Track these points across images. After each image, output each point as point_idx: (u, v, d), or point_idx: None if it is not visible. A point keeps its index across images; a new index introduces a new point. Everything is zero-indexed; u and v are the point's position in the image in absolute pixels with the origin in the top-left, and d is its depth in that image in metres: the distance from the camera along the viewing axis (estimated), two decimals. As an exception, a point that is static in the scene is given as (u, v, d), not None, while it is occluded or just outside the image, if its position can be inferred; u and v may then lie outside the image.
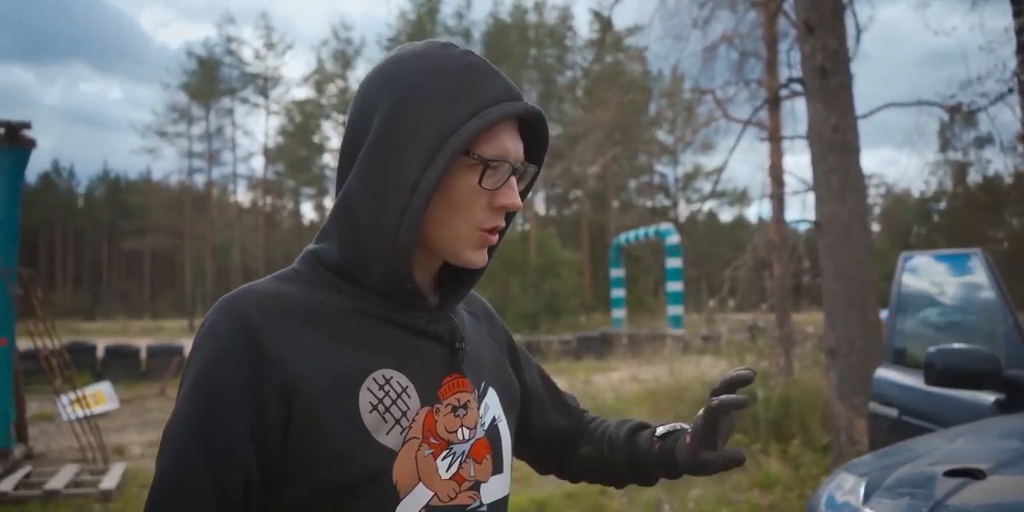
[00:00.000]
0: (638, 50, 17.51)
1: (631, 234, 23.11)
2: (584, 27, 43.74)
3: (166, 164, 68.23)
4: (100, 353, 13.39)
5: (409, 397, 0.87)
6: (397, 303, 0.91)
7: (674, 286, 20.47)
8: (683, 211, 42.23)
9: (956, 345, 2.60)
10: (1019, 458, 1.52)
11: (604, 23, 35.71)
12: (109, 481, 5.87)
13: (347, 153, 0.91)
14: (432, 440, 0.88)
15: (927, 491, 1.43)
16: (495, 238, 0.93)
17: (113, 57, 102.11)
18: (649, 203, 42.97)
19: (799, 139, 8.22)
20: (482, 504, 0.92)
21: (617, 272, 23.69)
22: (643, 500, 5.31)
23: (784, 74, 9.25)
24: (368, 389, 0.85)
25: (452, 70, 0.90)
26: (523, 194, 0.99)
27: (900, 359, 3.38)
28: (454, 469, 0.89)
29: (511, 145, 0.90)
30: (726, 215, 50.62)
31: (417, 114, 0.87)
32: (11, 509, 5.28)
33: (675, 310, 19.90)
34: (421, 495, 0.86)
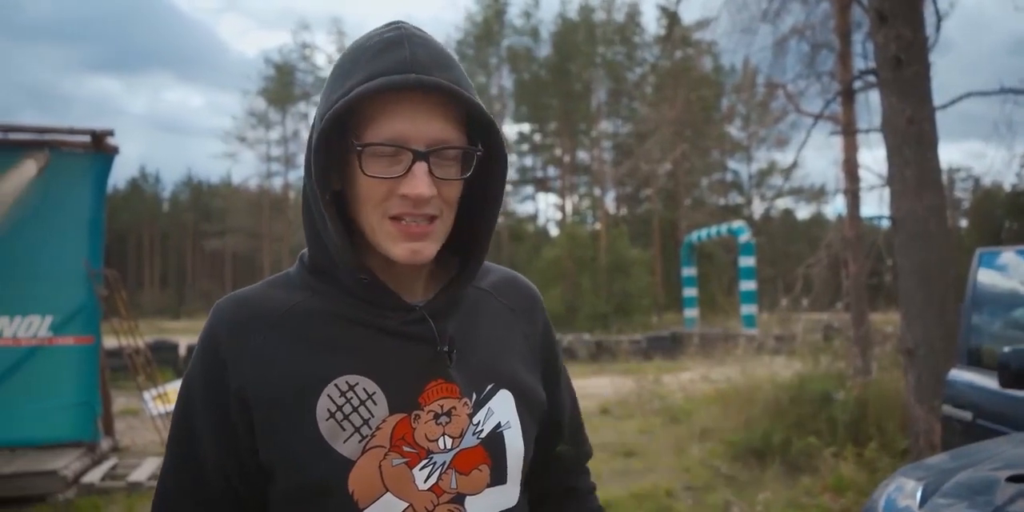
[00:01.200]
0: (707, 45, 17.25)
1: (703, 232, 22.73)
2: (652, 23, 43.28)
3: (245, 168, 70.78)
4: (182, 351, 13.91)
5: (375, 404, 0.83)
6: (370, 303, 0.86)
7: (747, 285, 20.04)
8: (757, 208, 41.37)
9: (1033, 345, 2.47)
10: (1090, 464, 1.45)
11: (671, 19, 35.29)
12: (188, 474, 6.09)
13: None
14: (406, 448, 0.83)
15: (986, 497, 1.37)
16: (416, 229, 0.82)
17: (194, 66, 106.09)
18: (722, 201, 42.22)
19: (875, 133, 7.95)
20: None
21: (689, 271, 23.34)
22: (711, 502, 5.23)
23: (859, 66, 8.97)
24: (328, 396, 0.82)
25: (359, 50, 0.84)
26: (488, 178, 0.88)
27: (975, 360, 3.24)
28: (433, 479, 0.84)
29: (408, 126, 0.79)
30: (803, 212, 49.32)
31: (320, 101, 0.86)
32: (97, 499, 5.53)
33: (749, 309, 19.49)
34: (391, 506, 0.82)
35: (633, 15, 40.35)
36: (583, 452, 1.12)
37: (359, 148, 0.79)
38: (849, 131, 8.72)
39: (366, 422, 0.82)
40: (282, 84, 44.19)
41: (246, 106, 47.29)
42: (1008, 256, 3.39)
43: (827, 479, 5.41)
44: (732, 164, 43.17)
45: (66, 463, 5.77)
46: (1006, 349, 2.41)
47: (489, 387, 0.90)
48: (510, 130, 44.54)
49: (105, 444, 6.85)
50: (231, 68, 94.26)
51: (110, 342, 7.51)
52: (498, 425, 0.89)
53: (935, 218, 5.74)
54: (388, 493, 0.82)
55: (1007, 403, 2.74)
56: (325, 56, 50.49)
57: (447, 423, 0.85)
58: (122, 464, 6.56)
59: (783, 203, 42.94)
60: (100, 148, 6.68)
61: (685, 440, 7.26)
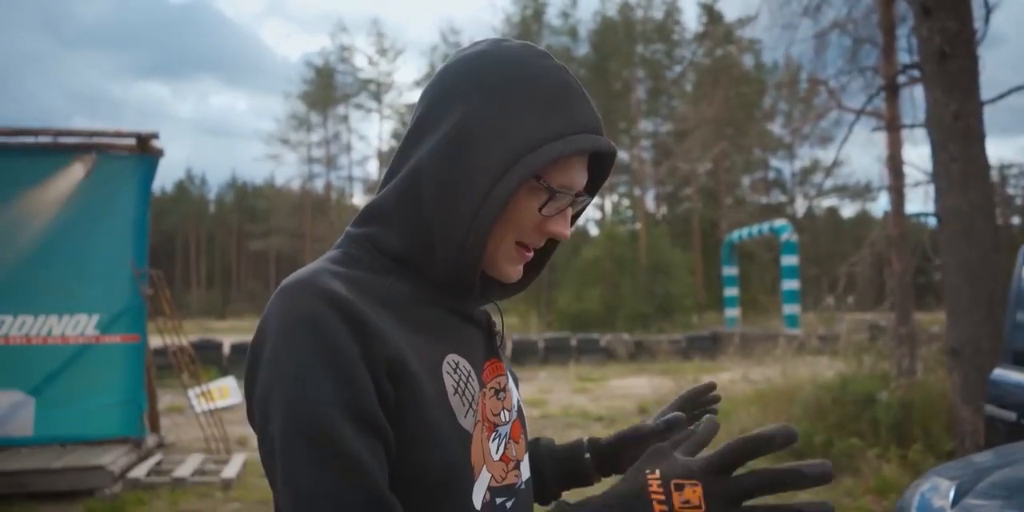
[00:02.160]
0: (749, 42, 17.02)
1: (744, 231, 22.47)
2: (692, 21, 42.89)
3: (288, 170, 71.77)
4: (226, 350, 14.15)
5: (474, 381, 0.88)
6: (450, 292, 0.91)
7: (790, 284, 19.76)
8: (801, 207, 40.74)
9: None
10: None
11: (712, 16, 34.87)
12: (230, 470, 6.21)
13: (415, 141, 0.88)
14: (486, 423, 0.89)
15: (1021, 497, 1.33)
16: (530, 255, 0.92)
17: (239, 71, 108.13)
18: (764, 199, 41.67)
19: (920, 128, 7.77)
20: (522, 482, 0.93)
21: (730, 270, 23.09)
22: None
23: (903, 60, 8.78)
24: (447, 373, 0.85)
25: (548, 83, 0.88)
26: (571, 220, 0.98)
27: (1020, 359, 3.15)
28: (501, 450, 0.90)
29: (579, 177, 0.90)
30: (848, 210, 48.49)
31: (502, 120, 0.85)
32: (143, 493, 5.66)
33: (791, 309, 19.22)
34: (485, 477, 0.87)
35: (672, 12, 40.05)
36: None
37: (556, 192, 0.87)
38: (893, 127, 8.54)
39: (473, 398, 0.87)
40: (322, 86, 44.75)
41: (288, 109, 48.00)
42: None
43: (869, 481, 5.31)
44: (775, 162, 42.63)
45: (113, 458, 5.91)
46: (1051, 348, 2.35)
47: (506, 366, 1.00)
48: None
49: (151, 440, 7.00)
50: (275, 72, 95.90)
51: (156, 341, 7.68)
52: (518, 400, 1.00)
53: (981, 215, 5.60)
54: (484, 465, 0.87)
55: (1052, 403, 2.67)
56: (365, 57, 51.02)
57: (504, 398, 0.94)
58: (167, 460, 6.70)
59: (828, 201, 42.27)
60: (145, 150, 6.84)
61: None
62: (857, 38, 9.29)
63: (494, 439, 0.89)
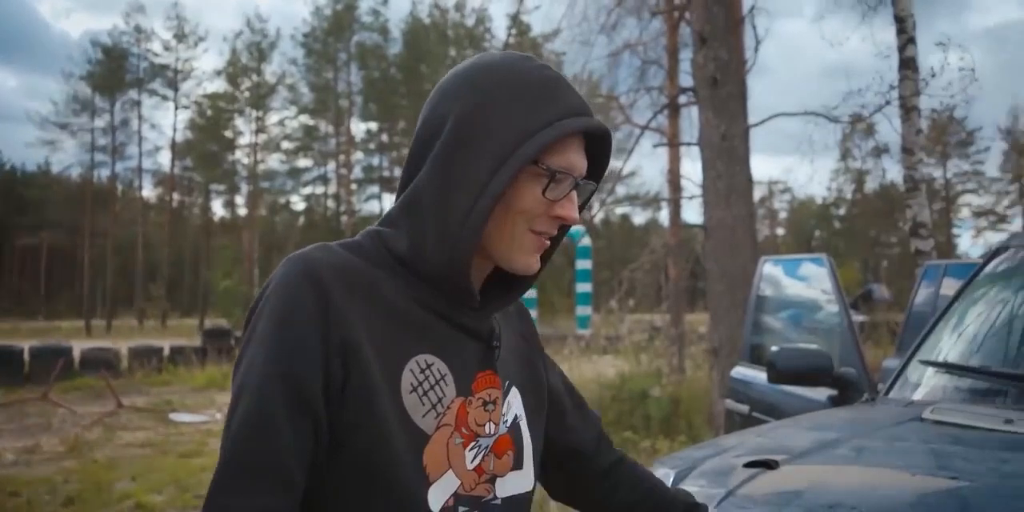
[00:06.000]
0: (556, 55, 17.71)
1: (543, 236, 23.28)
2: (501, 31, 43.94)
3: (66, 157, 64.82)
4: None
5: (447, 385, 0.90)
6: (447, 298, 0.93)
7: (583, 287, 20.73)
8: (596, 213, 42.91)
9: (795, 345, 2.75)
10: (812, 450, 1.64)
11: (519, 28, 35.93)
12: None
13: (418, 151, 0.94)
14: (463, 430, 0.91)
15: (724, 480, 1.52)
16: (547, 244, 0.95)
17: (8, 44, 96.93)
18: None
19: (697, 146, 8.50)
20: (496, 497, 0.95)
21: (528, 273, 23.83)
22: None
23: (685, 83, 9.56)
24: (411, 370, 0.88)
25: (531, 79, 0.92)
26: (579, 209, 1.00)
27: (755, 358, 3.55)
28: (478, 461, 0.92)
29: (577, 159, 0.92)
30: (639, 218, 51.79)
31: (493, 117, 0.90)
32: None
33: (583, 311, 20.17)
34: (450, 483, 0.88)
35: (482, 20, 40.87)
36: (606, 437, 1.22)
37: (556, 173, 0.90)
38: (673, 143, 9.27)
39: (440, 400, 0.88)
40: (111, 69, 41.36)
41: (68, 91, 43.57)
42: (781, 264, 3.75)
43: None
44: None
45: None
46: (773, 348, 2.67)
47: (508, 382, 1.00)
48: (357, 128, 43.77)
49: None
50: (52, 50, 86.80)
51: None
52: (516, 416, 1.00)
53: (743, 227, 6.21)
54: (450, 470, 0.88)
55: (775, 398, 3.03)
56: (161, 42, 47.81)
57: (492, 410, 0.95)
58: None
59: (622, 209, 44.89)
60: None
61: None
62: (645, 60, 9.99)
63: (472, 448, 0.91)
